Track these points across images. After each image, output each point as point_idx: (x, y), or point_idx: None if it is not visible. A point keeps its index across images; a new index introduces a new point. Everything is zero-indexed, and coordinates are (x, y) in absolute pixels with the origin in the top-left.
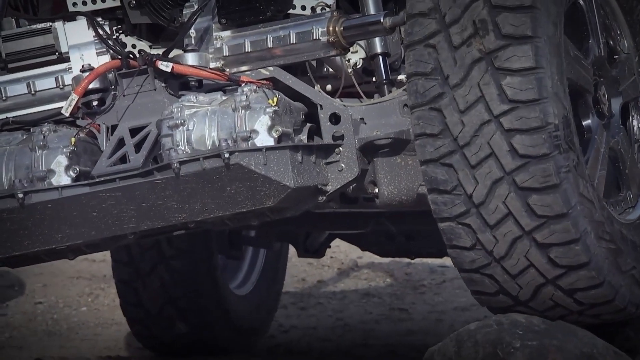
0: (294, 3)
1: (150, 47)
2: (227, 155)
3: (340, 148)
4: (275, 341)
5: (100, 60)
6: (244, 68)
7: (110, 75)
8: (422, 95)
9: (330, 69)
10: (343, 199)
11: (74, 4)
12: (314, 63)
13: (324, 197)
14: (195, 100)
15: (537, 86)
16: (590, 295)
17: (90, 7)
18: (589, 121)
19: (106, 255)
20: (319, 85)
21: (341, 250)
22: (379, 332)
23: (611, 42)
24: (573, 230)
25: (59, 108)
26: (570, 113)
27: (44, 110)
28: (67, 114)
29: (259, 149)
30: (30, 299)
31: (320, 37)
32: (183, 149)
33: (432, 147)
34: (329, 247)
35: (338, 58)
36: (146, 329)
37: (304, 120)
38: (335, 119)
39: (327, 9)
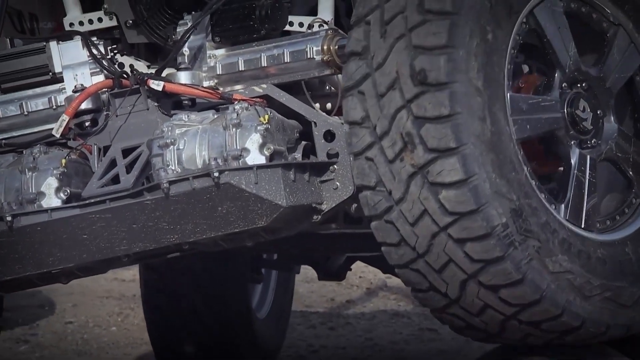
0: (291, 20)
1: (149, 66)
2: (216, 174)
3: (335, 166)
4: None
5: (95, 80)
6: (237, 87)
7: (104, 96)
8: (373, 209)
9: (333, 88)
10: (347, 219)
11: (71, 24)
12: (315, 81)
13: (319, 217)
14: (186, 119)
15: (473, 196)
16: (598, 338)
17: (87, 27)
18: (567, 155)
19: (136, 274)
20: (319, 104)
21: (370, 270)
22: (408, 353)
23: (594, 26)
24: (553, 308)
25: (52, 129)
26: (523, 196)
27: (37, 132)
28: (57, 135)
29: (250, 168)
30: (61, 318)
31: (314, 56)
32: (173, 168)
33: (397, 255)
34: (350, 269)
35: (337, 76)
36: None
37: (299, 138)
38: (330, 136)
39: (325, 26)
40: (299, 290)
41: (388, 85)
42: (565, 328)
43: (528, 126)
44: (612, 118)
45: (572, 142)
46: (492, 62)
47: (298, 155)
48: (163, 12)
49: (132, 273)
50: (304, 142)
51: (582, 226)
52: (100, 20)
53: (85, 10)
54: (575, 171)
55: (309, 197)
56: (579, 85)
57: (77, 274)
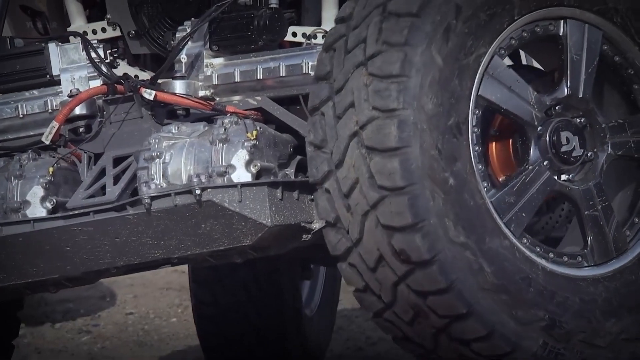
0: (294, 31)
1: None
2: (198, 191)
3: None
4: (363, 353)
5: (92, 85)
6: (233, 98)
7: (100, 101)
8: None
9: None
10: None
11: None
12: None
13: (309, 236)
14: (175, 131)
15: (504, 343)
16: None
17: (91, 37)
18: (571, 200)
19: None
20: None
21: None
22: None
23: (547, 36)
24: None
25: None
26: (549, 301)
27: (33, 135)
28: (47, 142)
29: (234, 185)
30: (122, 309)
31: (309, 72)
32: (158, 182)
33: None
34: None
35: None
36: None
37: (294, 152)
38: None
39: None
40: None
41: (376, 261)
42: None
43: (524, 214)
44: (599, 119)
45: (570, 180)
46: (464, 201)
47: (290, 171)
48: (165, 23)
49: None
50: (298, 157)
51: (614, 255)
52: (104, 30)
53: (91, 20)
54: (586, 212)
55: (298, 216)
56: (552, 116)
57: (65, 284)
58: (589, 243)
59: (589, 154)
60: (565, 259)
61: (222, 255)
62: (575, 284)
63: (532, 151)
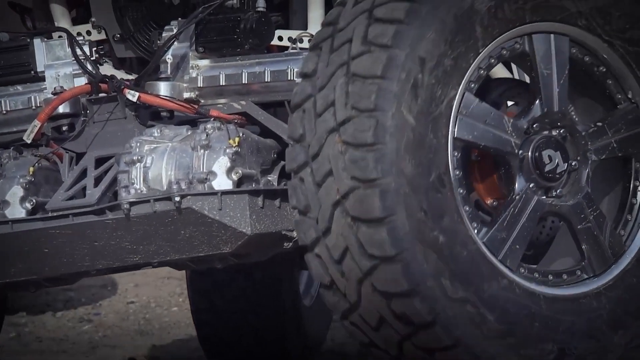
0: (280, 35)
1: None
2: (177, 198)
3: None
4: None
5: (77, 82)
6: (218, 101)
7: (84, 100)
8: None
9: None
10: None
11: (60, 37)
12: None
13: (290, 244)
14: (157, 135)
15: None
16: None
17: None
18: (564, 218)
19: None
20: None
21: None
22: None
23: (514, 56)
24: None
25: None
26: (555, 330)
27: (15, 132)
28: (28, 141)
29: (214, 193)
30: (123, 298)
31: (294, 78)
32: (138, 187)
33: None
34: None
35: None
36: (217, 343)
37: (277, 158)
38: None
39: None
40: None
41: (377, 322)
42: None
43: (518, 246)
44: (578, 128)
45: (558, 195)
46: (457, 254)
47: (273, 177)
48: (150, 27)
49: None
50: (282, 163)
51: (613, 260)
52: (89, 33)
53: (78, 20)
54: (578, 226)
55: (279, 224)
56: (531, 134)
57: (44, 284)
58: (585, 255)
59: (573, 164)
60: (565, 277)
61: (203, 260)
62: (578, 304)
63: (517, 180)
